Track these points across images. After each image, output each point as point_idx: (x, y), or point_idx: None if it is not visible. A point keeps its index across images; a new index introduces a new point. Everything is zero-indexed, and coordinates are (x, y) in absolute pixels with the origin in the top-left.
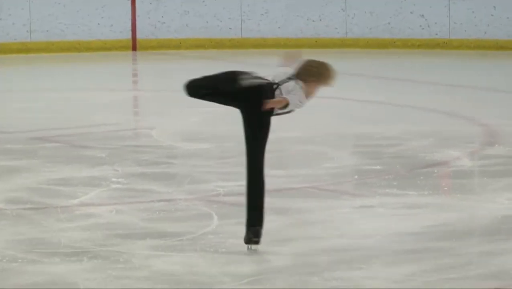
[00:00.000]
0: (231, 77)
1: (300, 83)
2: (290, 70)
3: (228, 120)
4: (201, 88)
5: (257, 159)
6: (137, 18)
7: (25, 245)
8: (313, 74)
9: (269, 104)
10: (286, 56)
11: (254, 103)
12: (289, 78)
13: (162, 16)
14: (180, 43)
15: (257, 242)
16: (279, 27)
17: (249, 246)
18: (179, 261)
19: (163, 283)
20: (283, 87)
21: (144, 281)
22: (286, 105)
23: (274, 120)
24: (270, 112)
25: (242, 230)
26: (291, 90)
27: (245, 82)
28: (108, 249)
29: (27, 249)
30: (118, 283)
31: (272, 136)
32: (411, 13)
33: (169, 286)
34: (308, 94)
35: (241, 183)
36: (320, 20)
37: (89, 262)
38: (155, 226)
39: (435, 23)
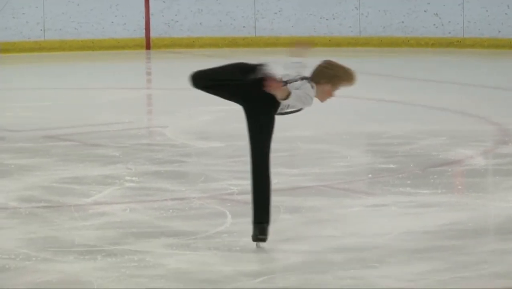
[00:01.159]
0: (240, 69)
1: (313, 83)
2: (303, 70)
3: (241, 118)
4: (206, 80)
5: (262, 156)
6: (150, 16)
7: (39, 243)
8: (326, 76)
9: (270, 84)
10: (296, 46)
11: (258, 98)
12: (302, 78)
13: (176, 15)
14: (194, 41)
15: (264, 240)
16: (292, 26)
17: (257, 243)
18: (193, 260)
19: (177, 281)
20: (291, 85)
21: (158, 280)
22: (287, 97)
23: (286, 119)
24: (274, 109)
25: None
26: (298, 88)
27: (255, 74)
28: (121, 247)
29: (40, 248)
30: (131, 281)
31: (285, 135)
32: (424, 11)
33: (183, 284)
34: (322, 95)
35: None
36: (334, 18)
37: (102, 260)
38: (168, 224)
39: (449, 21)
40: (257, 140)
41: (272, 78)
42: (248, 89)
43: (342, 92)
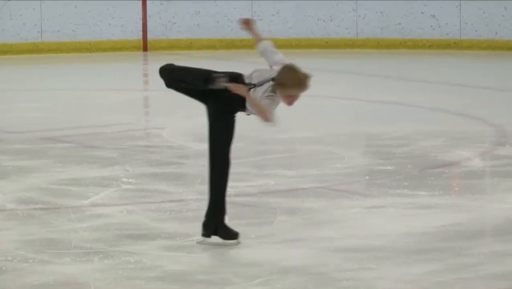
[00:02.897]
0: (203, 77)
1: (275, 88)
2: (269, 70)
3: (238, 120)
4: (172, 78)
5: (221, 156)
6: (148, 18)
7: (36, 245)
8: (290, 82)
9: (232, 86)
10: (244, 23)
11: (222, 101)
12: (267, 81)
13: (173, 16)
14: (191, 43)
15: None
16: (290, 28)
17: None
18: (189, 262)
19: (174, 283)
20: (259, 89)
21: (155, 281)
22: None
23: (283, 121)
24: (235, 110)
25: (253, 230)
26: (265, 90)
27: (217, 85)
28: (119, 249)
29: (37, 249)
30: (128, 283)
31: (283, 136)
32: (422, 13)
33: (180, 286)
34: (287, 100)
35: (251, 184)
36: (331, 20)
37: (99, 262)
38: (166, 226)
39: (446, 23)
40: (218, 138)
41: (233, 87)
42: (213, 91)
43: (339, 93)
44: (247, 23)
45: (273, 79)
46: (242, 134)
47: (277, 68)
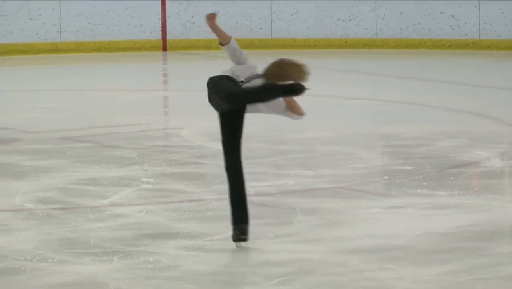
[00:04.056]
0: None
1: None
2: (255, 67)
3: (256, 120)
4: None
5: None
6: (167, 18)
7: (55, 245)
8: (278, 76)
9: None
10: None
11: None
12: (258, 76)
13: (192, 16)
14: (210, 43)
15: (245, 239)
16: (308, 27)
17: (238, 244)
18: (209, 261)
19: (193, 283)
20: (253, 82)
21: (174, 281)
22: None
23: (301, 121)
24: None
25: (271, 230)
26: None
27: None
28: (138, 249)
29: (56, 249)
30: (148, 283)
31: (301, 136)
32: (441, 13)
33: (199, 286)
34: None
35: (270, 184)
36: (350, 20)
37: (119, 262)
38: (185, 226)
39: (465, 23)
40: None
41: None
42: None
43: (358, 93)
44: (211, 18)
45: (260, 75)
46: (259, 134)
47: (240, 66)
